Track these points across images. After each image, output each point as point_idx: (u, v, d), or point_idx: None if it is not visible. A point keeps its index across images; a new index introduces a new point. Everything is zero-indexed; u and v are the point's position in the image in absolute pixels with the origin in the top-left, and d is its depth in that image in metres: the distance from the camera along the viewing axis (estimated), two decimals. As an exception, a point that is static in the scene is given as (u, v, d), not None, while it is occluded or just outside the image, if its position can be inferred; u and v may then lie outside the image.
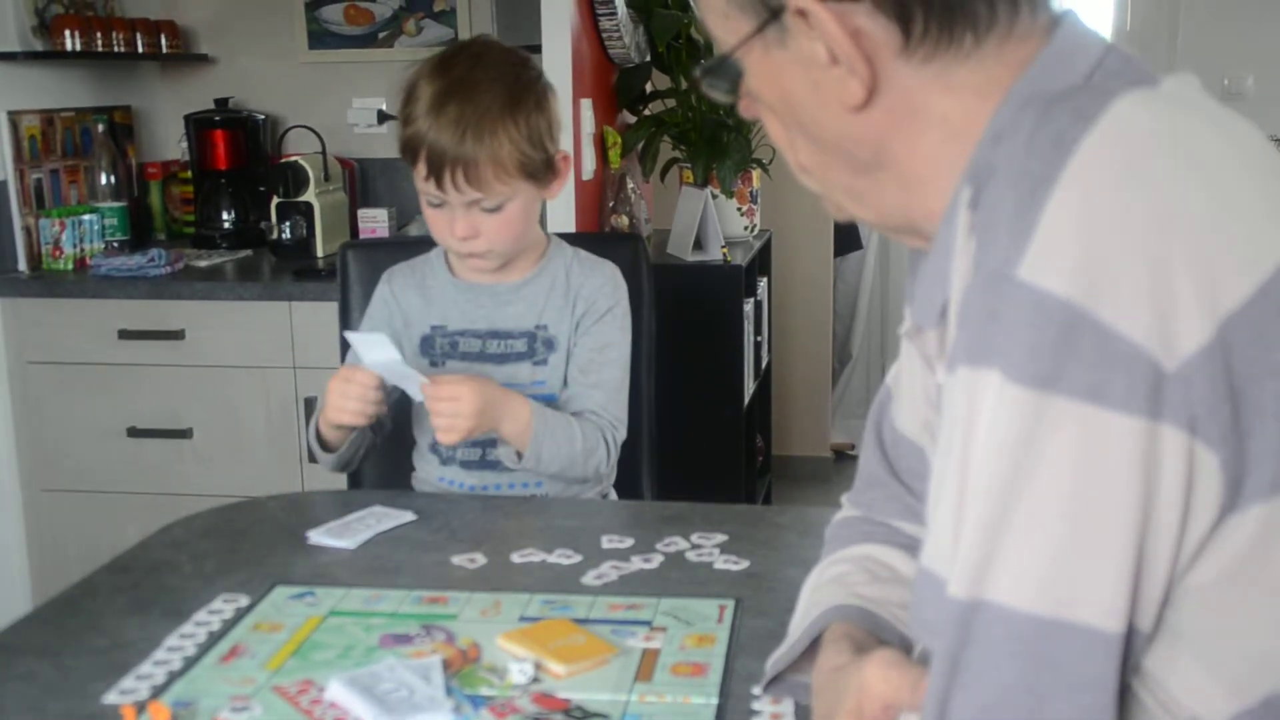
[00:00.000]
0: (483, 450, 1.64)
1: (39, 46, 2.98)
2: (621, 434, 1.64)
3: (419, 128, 1.53)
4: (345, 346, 1.90)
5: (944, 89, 0.75)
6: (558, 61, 2.72)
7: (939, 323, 0.78)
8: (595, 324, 1.65)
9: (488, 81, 1.55)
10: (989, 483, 0.64)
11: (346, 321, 1.87)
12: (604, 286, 1.67)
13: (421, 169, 1.54)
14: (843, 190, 0.82)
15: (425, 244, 1.72)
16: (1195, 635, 0.66)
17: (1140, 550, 0.63)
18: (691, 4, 0.88)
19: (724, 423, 3.01)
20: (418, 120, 1.53)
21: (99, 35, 3.10)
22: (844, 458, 4.29)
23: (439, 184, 1.53)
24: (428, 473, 1.70)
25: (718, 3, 0.79)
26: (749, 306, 3.11)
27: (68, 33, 3.01)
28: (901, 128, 0.76)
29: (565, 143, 1.68)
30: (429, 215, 1.59)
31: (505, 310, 1.65)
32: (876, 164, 0.78)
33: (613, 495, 1.74)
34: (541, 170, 1.58)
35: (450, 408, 1.48)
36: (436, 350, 1.66)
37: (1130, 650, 0.65)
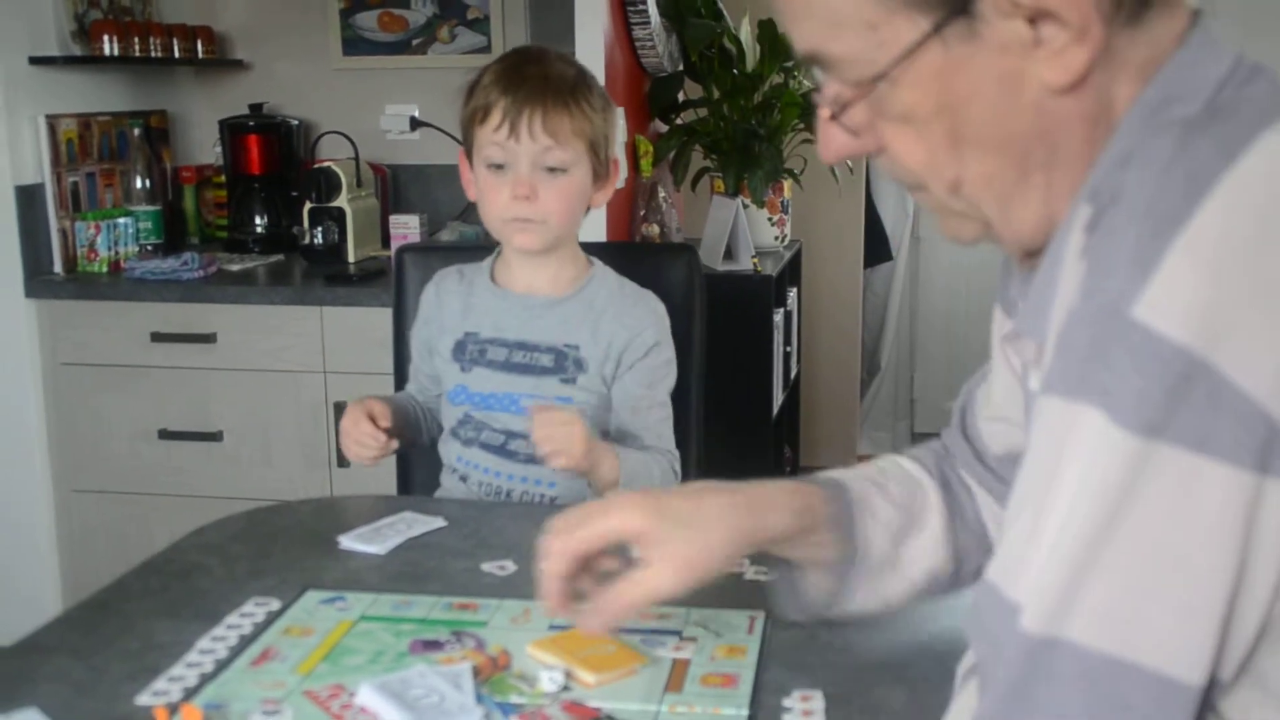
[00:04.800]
0: (505, 438, 1.64)
1: (77, 51, 3.01)
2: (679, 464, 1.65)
3: (492, 89, 1.56)
4: (398, 348, 1.90)
5: (1124, 65, 0.71)
6: (591, 70, 2.72)
7: (1041, 337, 0.74)
8: (641, 359, 1.62)
9: (562, 64, 1.63)
10: (1081, 524, 0.62)
11: (402, 323, 1.87)
12: (646, 318, 1.64)
13: (495, 118, 1.55)
14: (997, 203, 0.76)
15: (479, 250, 1.74)
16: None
17: (1231, 604, 0.61)
18: (791, 31, 0.77)
19: (753, 433, 3.00)
20: (489, 85, 1.57)
21: (136, 40, 3.13)
22: (872, 469, 4.27)
23: (513, 129, 1.54)
24: (449, 457, 1.69)
25: (858, 15, 0.72)
26: (779, 316, 3.10)
27: (106, 38, 3.04)
28: (1087, 115, 0.72)
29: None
30: (486, 184, 1.59)
31: (535, 323, 1.63)
32: (1050, 162, 0.73)
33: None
34: (600, 159, 1.62)
35: (565, 432, 1.46)
36: (466, 356, 1.66)
37: (1207, 696, 0.63)
